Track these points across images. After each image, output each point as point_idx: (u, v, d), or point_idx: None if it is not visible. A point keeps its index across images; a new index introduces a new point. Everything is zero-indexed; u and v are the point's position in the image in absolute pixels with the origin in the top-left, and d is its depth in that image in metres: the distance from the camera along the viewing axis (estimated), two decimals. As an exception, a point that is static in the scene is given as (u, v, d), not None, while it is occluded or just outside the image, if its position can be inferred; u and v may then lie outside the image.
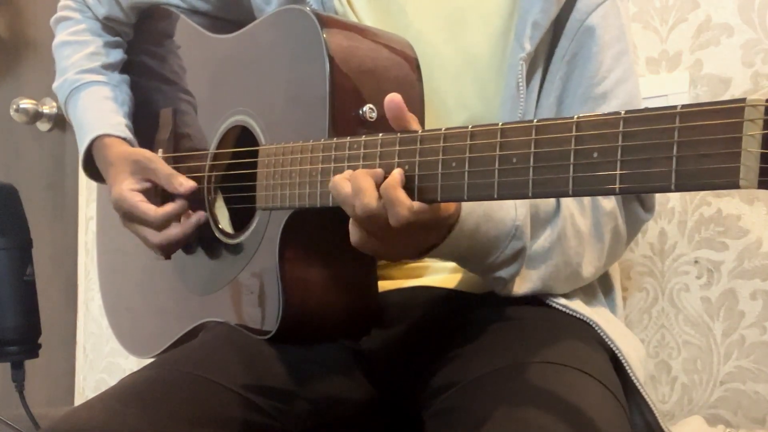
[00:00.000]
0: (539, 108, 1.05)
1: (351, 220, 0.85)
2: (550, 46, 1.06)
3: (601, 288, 1.12)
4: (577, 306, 1.02)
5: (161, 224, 1.12)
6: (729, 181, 0.55)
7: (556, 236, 0.99)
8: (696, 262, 1.36)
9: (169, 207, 1.12)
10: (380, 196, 0.81)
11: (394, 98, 0.84)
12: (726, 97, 1.33)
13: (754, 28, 1.30)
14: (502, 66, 1.06)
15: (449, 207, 0.85)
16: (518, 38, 1.03)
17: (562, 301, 1.02)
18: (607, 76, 1.04)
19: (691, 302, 1.37)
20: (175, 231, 1.12)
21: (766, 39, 1.30)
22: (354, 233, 0.86)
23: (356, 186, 0.82)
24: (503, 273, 0.97)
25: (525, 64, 1.02)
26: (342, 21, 1.02)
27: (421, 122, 0.99)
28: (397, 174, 0.81)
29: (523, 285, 0.99)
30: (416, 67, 1.01)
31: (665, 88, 1.38)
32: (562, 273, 1.01)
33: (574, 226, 1.00)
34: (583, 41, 1.04)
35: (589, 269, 1.03)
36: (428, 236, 0.87)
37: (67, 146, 2.19)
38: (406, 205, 0.80)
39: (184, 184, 1.11)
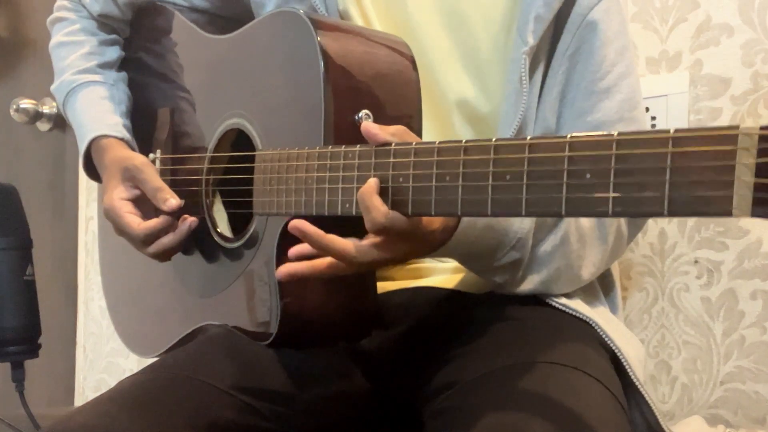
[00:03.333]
0: (542, 103, 1.05)
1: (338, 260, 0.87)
2: (551, 41, 1.06)
3: (601, 287, 1.12)
4: (578, 306, 1.02)
5: (143, 239, 1.09)
6: (721, 210, 0.54)
7: (560, 240, 0.99)
8: (696, 262, 1.36)
9: (152, 223, 1.09)
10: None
11: (364, 127, 0.84)
12: (726, 97, 1.32)
13: (754, 28, 1.30)
14: (504, 60, 1.05)
15: (432, 222, 0.85)
16: (521, 32, 1.02)
17: (563, 300, 1.02)
18: (611, 71, 1.04)
19: (691, 302, 1.36)
20: (165, 240, 1.10)
21: (766, 39, 1.29)
22: (344, 268, 0.87)
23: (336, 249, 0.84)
24: (498, 278, 0.99)
25: (528, 57, 1.01)
26: (337, 24, 1.01)
27: (418, 123, 0.99)
28: (372, 182, 0.82)
29: (523, 286, 1.00)
30: (414, 68, 1.00)
31: (665, 88, 1.38)
32: (563, 276, 1.01)
33: (579, 229, 1.01)
34: (585, 36, 1.04)
35: (589, 270, 1.03)
36: (414, 248, 0.87)
37: (67, 146, 2.19)
38: (381, 210, 0.80)
39: (169, 201, 1.08)
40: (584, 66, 1.04)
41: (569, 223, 1.00)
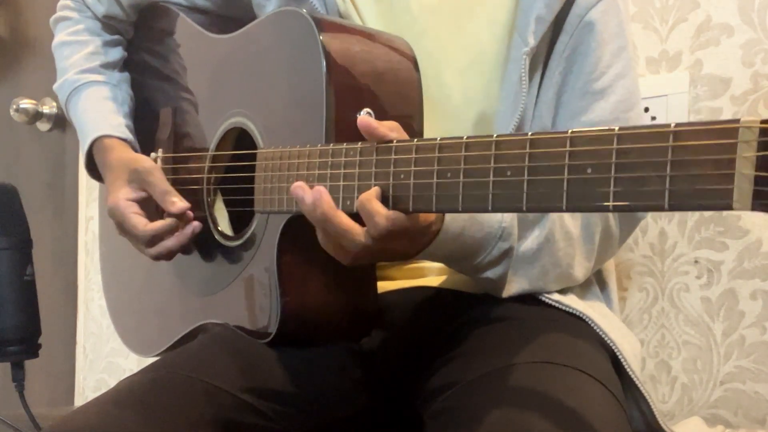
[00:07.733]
0: (538, 103, 1.05)
1: (335, 246, 0.88)
2: (549, 41, 1.06)
3: (597, 280, 1.12)
4: (573, 302, 1.02)
5: (149, 240, 1.11)
6: (722, 203, 0.54)
7: (544, 238, 0.99)
8: (696, 262, 1.36)
9: (159, 224, 1.10)
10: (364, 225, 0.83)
11: (361, 121, 0.85)
12: (726, 97, 1.33)
13: (754, 28, 1.30)
14: (506, 61, 1.05)
15: (429, 215, 0.85)
16: (521, 33, 1.03)
17: (556, 296, 1.02)
18: (606, 72, 1.04)
19: (691, 302, 1.36)
20: (169, 243, 1.11)
21: (766, 39, 1.29)
22: (344, 257, 0.88)
23: (342, 228, 0.85)
24: (490, 273, 0.98)
25: (528, 58, 1.02)
26: (339, 23, 1.01)
27: (419, 122, 0.99)
28: (373, 190, 0.83)
29: (512, 287, 1.00)
30: (415, 68, 1.00)
31: (665, 88, 1.38)
32: (551, 274, 1.01)
33: (563, 227, 1.00)
34: (582, 37, 1.04)
35: (579, 270, 1.03)
36: (413, 243, 0.88)
37: (67, 146, 2.20)
38: (382, 214, 0.81)
39: (177, 203, 1.10)
40: (580, 67, 1.04)
41: (553, 222, 1.00)
